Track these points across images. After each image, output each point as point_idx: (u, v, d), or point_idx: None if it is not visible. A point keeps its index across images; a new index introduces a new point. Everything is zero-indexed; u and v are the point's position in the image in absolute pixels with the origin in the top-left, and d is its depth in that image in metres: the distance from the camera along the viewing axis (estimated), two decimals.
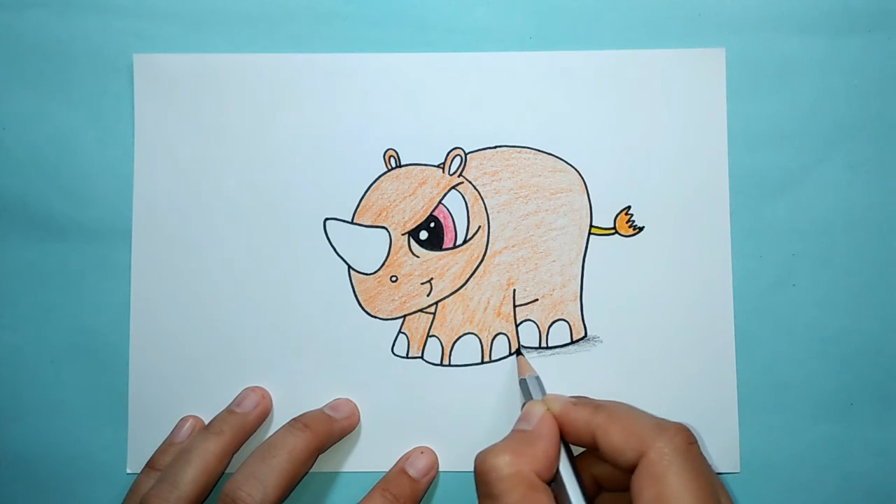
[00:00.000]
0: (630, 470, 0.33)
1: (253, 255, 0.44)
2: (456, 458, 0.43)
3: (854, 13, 0.44)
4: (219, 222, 0.44)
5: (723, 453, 0.43)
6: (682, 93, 0.44)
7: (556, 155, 0.44)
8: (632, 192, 0.44)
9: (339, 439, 0.43)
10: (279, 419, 0.43)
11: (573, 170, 0.44)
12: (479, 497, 0.34)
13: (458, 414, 0.43)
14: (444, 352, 0.44)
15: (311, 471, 0.43)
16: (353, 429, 0.43)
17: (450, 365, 0.44)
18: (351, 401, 0.43)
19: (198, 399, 0.43)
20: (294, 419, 0.41)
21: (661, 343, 0.43)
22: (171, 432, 0.43)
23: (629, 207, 0.44)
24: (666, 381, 0.43)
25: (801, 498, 0.43)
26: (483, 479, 0.34)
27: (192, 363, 0.44)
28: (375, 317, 0.44)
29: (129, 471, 0.43)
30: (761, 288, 0.44)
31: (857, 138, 0.44)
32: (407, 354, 0.44)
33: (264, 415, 0.43)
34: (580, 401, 0.37)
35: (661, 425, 0.34)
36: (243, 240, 0.44)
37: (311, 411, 0.43)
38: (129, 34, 0.44)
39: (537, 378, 0.41)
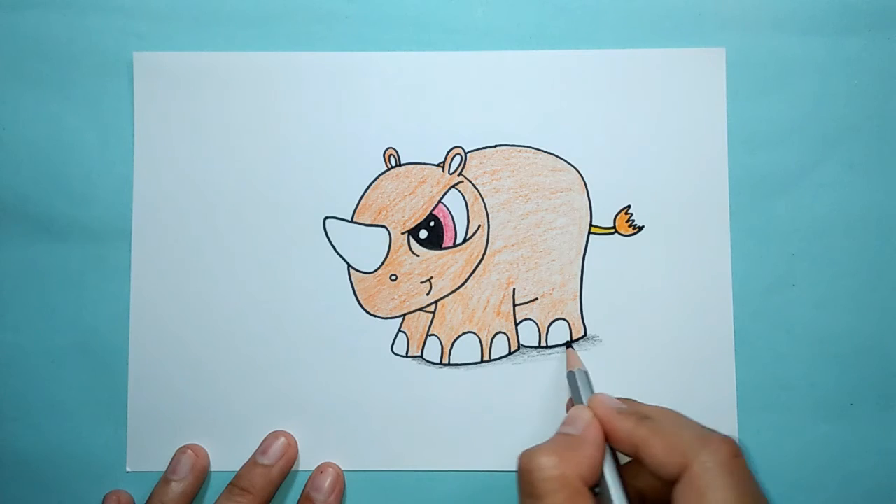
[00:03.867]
0: (673, 482, 0.33)
1: (253, 254, 0.44)
2: (455, 457, 0.43)
3: (854, 13, 0.44)
4: (218, 221, 0.44)
5: None
6: (682, 93, 0.44)
7: (556, 154, 0.44)
8: (631, 192, 0.44)
9: (281, 484, 0.42)
10: (279, 417, 0.43)
11: (573, 169, 0.44)
12: (520, 496, 0.34)
13: (457, 413, 0.43)
14: (444, 351, 0.44)
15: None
16: (292, 465, 0.43)
17: (449, 364, 0.44)
18: (281, 434, 0.43)
19: (197, 398, 0.43)
20: (231, 485, 0.41)
21: (661, 343, 0.43)
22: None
23: (629, 207, 0.44)
24: (665, 380, 0.43)
25: (801, 498, 0.43)
26: (527, 479, 0.33)
27: (191, 362, 0.44)
28: (375, 316, 0.44)
29: (128, 469, 0.43)
30: (761, 288, 0.44)
31: (857, 138, 0.44)
32: (406, 353, 0.44)
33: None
34: (625, 410, 0.36)
35: (705, 437, 0.33)
36: (243, 239, 0.44)
37: (245, 468, 0.42)
38: (129, 33, 0.45)
39: (586, 373, 0.40)
